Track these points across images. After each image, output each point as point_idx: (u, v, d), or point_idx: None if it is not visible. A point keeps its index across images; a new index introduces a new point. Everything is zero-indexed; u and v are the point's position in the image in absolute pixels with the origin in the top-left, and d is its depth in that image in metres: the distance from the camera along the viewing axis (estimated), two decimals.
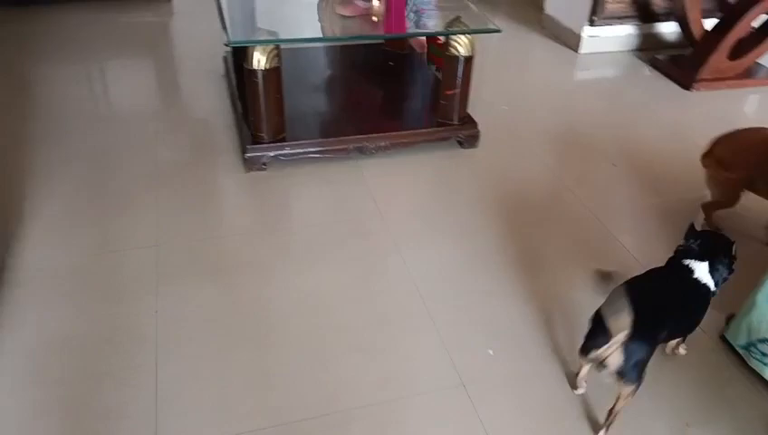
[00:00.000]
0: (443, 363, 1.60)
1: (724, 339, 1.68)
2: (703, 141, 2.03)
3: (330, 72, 3.02)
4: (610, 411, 1.40)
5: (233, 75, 2.75)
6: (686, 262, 1.47)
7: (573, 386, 1.54)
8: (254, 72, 2.15)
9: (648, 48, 3.59)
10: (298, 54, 2.93)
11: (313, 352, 1.61)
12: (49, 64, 3.06)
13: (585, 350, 1.38)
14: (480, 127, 2.54)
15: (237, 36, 2.18)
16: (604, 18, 3.42)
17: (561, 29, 3.64)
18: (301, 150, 2.33)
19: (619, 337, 1.26)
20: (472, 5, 2.55)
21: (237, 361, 1.57)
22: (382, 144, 2.41)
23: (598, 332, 1.32)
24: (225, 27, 2.20)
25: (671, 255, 1.52)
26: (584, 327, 1.37)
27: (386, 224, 2.09)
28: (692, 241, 1.50)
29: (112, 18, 3.60)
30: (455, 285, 1.86)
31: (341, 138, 2.39)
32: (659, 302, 1.40)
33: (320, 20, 2.56)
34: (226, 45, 2.26)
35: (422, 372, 1.58)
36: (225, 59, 2.94)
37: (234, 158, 2.37)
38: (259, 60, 2.12)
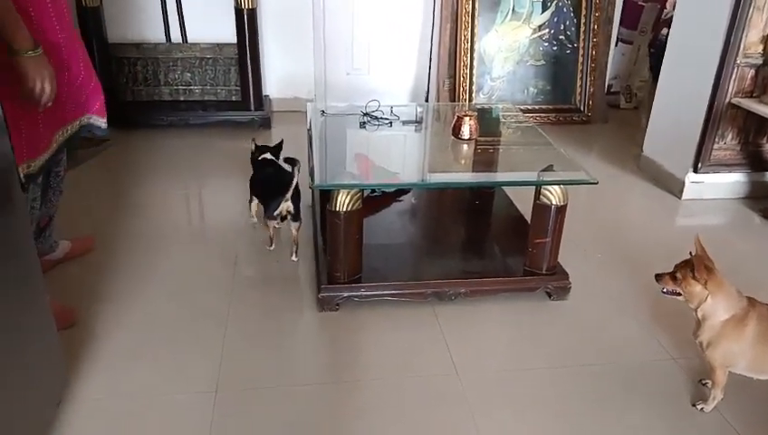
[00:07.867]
0: None
1: None
2: None
3: (411, 208, 2.95)
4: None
5: (318, 208, 2.75)
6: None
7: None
8: (336, 213, 2.12)
9: (760, 196, 3.32)
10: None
11: None
12: (149, 184, 3.23)
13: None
14: (571, 277, 2.36)
15: (323, 180, 2.17)
16: (710, 165, 3.21)
17: (661, 173, 3.45)
18: (376, 292, 2.23)
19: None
20: (564, 151, 2.45)
21: None
22: (462, 290, 2.27)
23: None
24: (311, 168, 2.21)
25: None
26: None
27: (461, 386, 1.90)
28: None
29: (211, 143, 3.80)
30: None
31: (419, 281, 2.28)
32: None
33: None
34: (310, 188, 2.25)
35: None
36: (313, 190, 2.96)
37: (308, 294, 2.31)
38: (342, 202, 2.10)
